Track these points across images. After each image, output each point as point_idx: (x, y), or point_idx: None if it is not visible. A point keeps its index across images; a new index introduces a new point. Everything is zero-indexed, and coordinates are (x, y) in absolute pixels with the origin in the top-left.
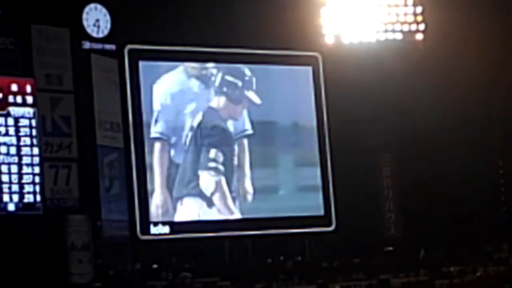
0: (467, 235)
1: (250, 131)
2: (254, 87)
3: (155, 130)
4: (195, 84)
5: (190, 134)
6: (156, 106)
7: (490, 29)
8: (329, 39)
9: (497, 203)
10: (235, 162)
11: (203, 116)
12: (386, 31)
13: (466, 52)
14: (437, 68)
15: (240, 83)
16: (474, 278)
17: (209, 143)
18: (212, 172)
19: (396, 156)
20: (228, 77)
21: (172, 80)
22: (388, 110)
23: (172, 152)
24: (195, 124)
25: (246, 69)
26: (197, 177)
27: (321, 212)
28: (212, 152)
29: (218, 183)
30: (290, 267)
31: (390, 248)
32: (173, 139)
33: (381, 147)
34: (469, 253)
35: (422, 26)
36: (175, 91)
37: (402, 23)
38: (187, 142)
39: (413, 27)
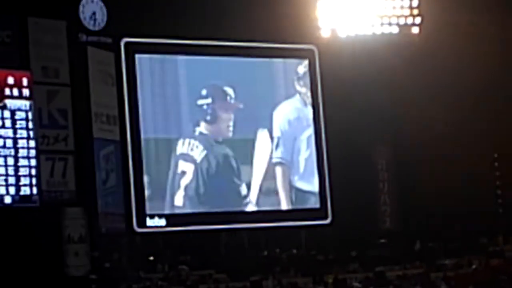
0: (462, 228)
1: None
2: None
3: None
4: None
5: None
6: (276, 132)
7: (487, 22)
8: (325, 32)
9: (492, 196)
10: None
11: None
12: (382, 24)
13: (462, 45)
14: (433, 62)
15: None
16: (469, 271)
17: None
18: None
19: (391, 150)
20: None
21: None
22: (384, 104)
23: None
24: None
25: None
26: None
27: (317, 205)
28: None
29: None
30: (285, 260)
31: (386, 241)
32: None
33: (377, 140)
34: (464, 246)
35: (418, 20)
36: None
37: (398, 17)
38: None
39: (409, 20)
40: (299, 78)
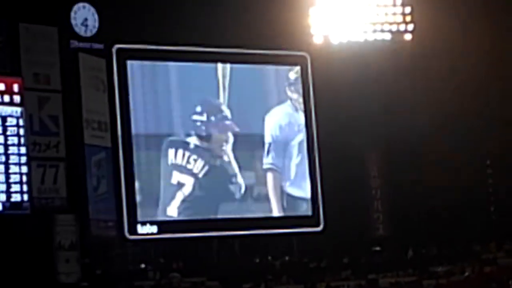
0: (455, 235)
1: None
2: None
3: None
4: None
5: None
6: (268, 138)
7: (479, 29)
8: (317, 39)
9: (485, 203)
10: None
11: None
12: (374, 31)
13: (455, 52)
14: (425, 68)
15: None
16: (462, 278)
17: None
18: None
19: (384, 156)
20: None
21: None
22: (376, 110)
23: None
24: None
25: None
26: None
27: (309, 211)
28: None
29: None
30: (278, 267)
31: (378, 248)
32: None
33: (369, 147)
34: (457, 253)
35: (410, 27)
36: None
37: (390, 23)
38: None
39: (402, 27)
40: (290, 84)
